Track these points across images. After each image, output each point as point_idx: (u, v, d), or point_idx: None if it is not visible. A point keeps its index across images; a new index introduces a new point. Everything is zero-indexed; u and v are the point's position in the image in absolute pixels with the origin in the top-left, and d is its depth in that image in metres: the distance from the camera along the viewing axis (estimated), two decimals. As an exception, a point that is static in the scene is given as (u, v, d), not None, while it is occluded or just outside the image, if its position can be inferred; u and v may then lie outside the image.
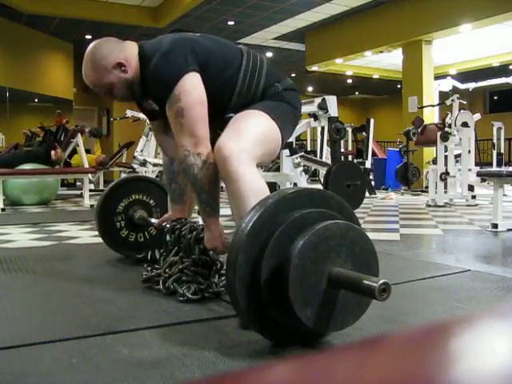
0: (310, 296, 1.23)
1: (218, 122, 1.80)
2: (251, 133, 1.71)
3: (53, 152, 6.74)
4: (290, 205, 1.29)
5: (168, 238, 2.07)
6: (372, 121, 8.28)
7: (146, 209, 2.63)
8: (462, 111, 6.38)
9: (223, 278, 1.95)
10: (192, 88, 1.71)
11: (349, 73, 13.14)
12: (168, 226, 2.10)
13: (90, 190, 6.63)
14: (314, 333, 1.35)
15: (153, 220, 2.49)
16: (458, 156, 6.79)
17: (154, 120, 2.11)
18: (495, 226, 3.70)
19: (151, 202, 2.66)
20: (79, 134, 7.89)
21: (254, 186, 1.62)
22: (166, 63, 1.73)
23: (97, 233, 3.72)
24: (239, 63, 1.85)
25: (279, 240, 1.25)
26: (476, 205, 5.84)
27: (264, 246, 1.25)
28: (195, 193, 1.75)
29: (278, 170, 5.30)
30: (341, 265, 1.26)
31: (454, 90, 7.95)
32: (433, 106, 8.55)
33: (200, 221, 2.17)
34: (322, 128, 7.88)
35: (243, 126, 1.72)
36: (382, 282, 1.13)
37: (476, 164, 7.38)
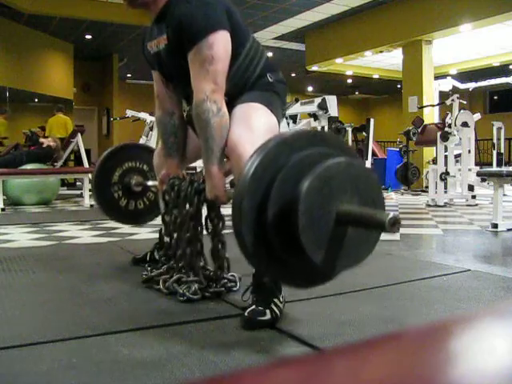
0: (320, 237, 1.21)
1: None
2: (262, 132, 1.73)
3: (43, 140, 6.78)
4: (290, 147, 1.28)
5: (167, 197, 2.03)
6: (372, 121, 8.28)
7: (141, 175, 2.61)
8: (462, 111, 6.38)
9: (223, 280, 1.95)
10: (225, 43, 1.76)
11: (349, 73, 13.14)
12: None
13: (90, 190, 6.63)
14: (322, 272, 1.34)
15: (150, 182, 2.48)
16: (458, 156, 6.79)
17: (154, 69, 2.10)
18: (495, 225, 3.70)
19: (145, 167, 2.63)
20: (79, 134, 7.89)
21: None
22: (205, 10, 1.75)
23: (97, 232, 3.75)
24: (246, 43, 1.88)
25: (284, 183, 1.24)
26: (476, 205, 5.84)
27: (269, 189, 1.24)
28: (203, 138, 1.74)
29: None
30: (347, 202, 1.25)
31: (454, 89, 7.95)
32: (433, 105, 8.55)
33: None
34: (323, 128, 7.88)
35: (255, 125, 1.75)
36: (391, 214, 1.13)
37: (476, 164, 7.38)
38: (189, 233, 1.91)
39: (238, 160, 1.64)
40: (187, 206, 1.91)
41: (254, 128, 1.72)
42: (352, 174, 1.26)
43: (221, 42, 1.73)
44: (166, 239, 2.13)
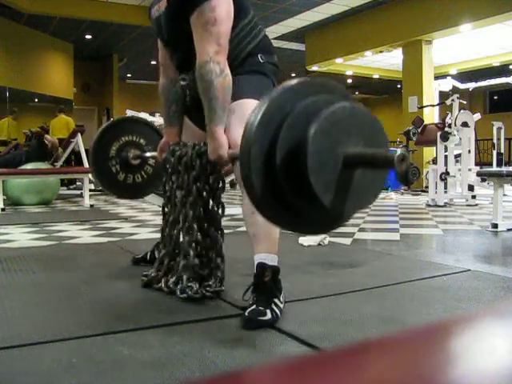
0: (329, 179, 1.23)
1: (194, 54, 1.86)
2: None
3: (48, 137, 6.84)
4: (295, 94, 1.30)
5: (168, 165, 2.02)
6: (372, 121, 8.26)
7: (138, 149, 2.60)
8: (461, 111, 6.38)
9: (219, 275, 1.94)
10: (227, 6, 1.78)
11: (349, 73, 13.14)
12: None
13: (90, 190, 6.63)
14: (330, 215, 1.35)
15: (148, 154, 2.48)
16: (458, 156, 6.79)
17: (157, 36, 2.12)
18: (495, 225, 3.70)
19: (141, 141, 2.62)
20: (79, 134, 7.89)
21: None
22: None
23: (97, 232, 3.75)
24: (245, 18, 1.91)
25: (291, 128, 1.25)
26: (476, 205, 5.84)
27: (276, 135, 1.25)
28: (207, 99, 1.75)
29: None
30: (354, 145, 1.27)
31: (454, 89, 7.95)
32: (433, 105, 8.55)
33: None
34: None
35: None
36: (400, 152, 1.14)
37: (476, 164, 7.38)
38: (191, 196, 1.89)
39: None
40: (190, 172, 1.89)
41: None
42: (357, 118, 1.29)
43: (223, 5, 1.75)
44: (166, 210, 2.09)
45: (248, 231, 1.77)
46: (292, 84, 1.31)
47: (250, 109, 1.81)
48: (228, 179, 2.03)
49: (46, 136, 7.10)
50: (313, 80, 1.38)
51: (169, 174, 2.01)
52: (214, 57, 1.73)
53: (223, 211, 1.94)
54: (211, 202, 1.92)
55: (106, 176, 2.57)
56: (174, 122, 2.11)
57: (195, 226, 1.89)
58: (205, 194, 1.91)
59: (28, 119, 11.01)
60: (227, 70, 1.75)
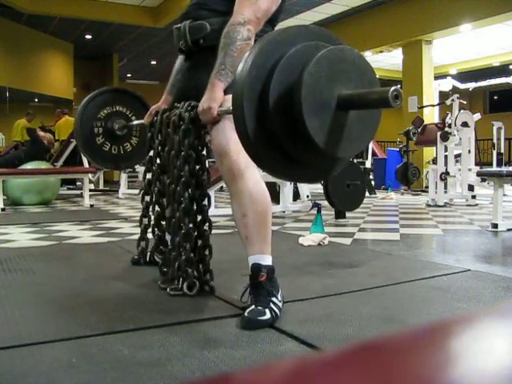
0: (323, 121, 1.23)
1: (204, 9, 1.92)
2: None
3: (41, 133, 6.87)
4: (288, 39, 1.31)
5: (153, 129, 2.02)
6: (372, 121, 8.26)
7: (124, 119, 2.61)
8: (461, 111, 6.38)
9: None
10: None
11: (349, 72, 13.14)
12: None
13: (90, 190, 6.63)
14: (324, 159, 1.34)
15: (135, 122, 2.50)
16: (458, 156, 6.79)
17: None
18: (495, 225, 3.70)
19: (128, 112, 2.63)
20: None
21: (256, 188, 1.73)
22: None
23: (97, 232, 3.75)
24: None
25: (283, 71, 1.25)
26: (476, 205, 5.84)
27: (269, 78, 1.25)
28: (222, 52, 1.75)
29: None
30: (346, 86, 1.27)
31: (454, 89, 7.95)
32: (433, 105, 8.55)
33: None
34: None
35: None
36: (393, 88, 1.13)
37: (476, 164, 7.38)
38: (189, 166, 1.86)
39: (229, 164, 1.73)
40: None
41: None
42: (347, 60, 1.31)
43: None
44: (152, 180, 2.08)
45: (240, 234, 1.76)
46: (281, 32, 1.33)
47: None
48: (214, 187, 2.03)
49: (39, 132, 7.10)
50: (300, 27, 1.40)
51: (156, 133, 2.01)
52: (248, 22, 1.74)
53: (209, 178, 1.92)
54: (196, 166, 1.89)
55: (90, 146, 2.57)
56: (173, 91, 2.16)
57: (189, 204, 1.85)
58: (194, 152, 1.87)
59: (20, 119, 11.01)
60: (252, 41, 1.76)
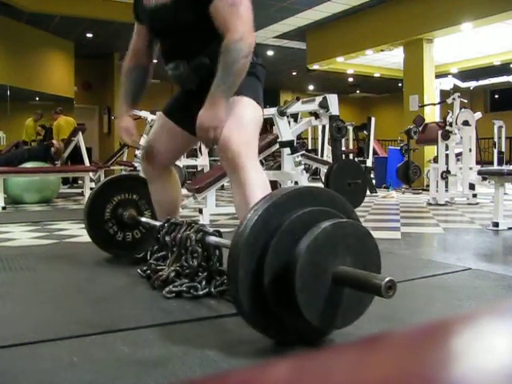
0: (316, 296, 1.23)
1: (192, 42, 1.96)
2: (251, 127, 1.88)
3: (52, 149, 6.86)
4: (281, 209, 1.28)
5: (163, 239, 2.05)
6: (373, 119, 8.27)
7: (134, 207, 2.59)
8: (463, 110, 6.37)
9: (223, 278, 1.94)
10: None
11: (350, 71, 13.13)
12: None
13: (91, 189, 6.63)
14: (319, 331, 1.35)
15: (143, 219, 2.48)
16: (459, 154, 6.78)
17: (142, 24, 2.22)
18: (496, 224, 3.69)
19: (135, 197, 2.61)
20: (80, 133, 7.89)
21: (258, 178, 1.80)
22: None
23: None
24: None
25: (281, 241, 1.24)
26: (477, 203, 5.84)
27: (266, 247, 1.25)
28: (225, 71, 1.79)
29: (278, 168, 5.29)
30: (344, 263, 1.26)
31: (455, 88, 7.94)
32: (434, 104, 8.54)
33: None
34: (323, 126, 7.88)
35: (244, 120, 1.87)
36: (387, 279, 1.12)
37: (477, 162, 7.38)
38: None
39: (231, 155, 1.78)
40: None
41: (243, 123, 1.85)
42: (348, 236, 1.27)
43: None
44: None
45: None
46: (277, 198, 1.28)
47: (241, 106, 1.89)
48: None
49: (54, 142, 7.12)
50: (299, 191, 1.35)
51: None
52: (246, 37, 1.79)
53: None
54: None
55: (102, 238, 2.59)
56: (129, 100, 2.21)
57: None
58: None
59: (29, 118, 11.02)
60: (251, 56, 1.83)
